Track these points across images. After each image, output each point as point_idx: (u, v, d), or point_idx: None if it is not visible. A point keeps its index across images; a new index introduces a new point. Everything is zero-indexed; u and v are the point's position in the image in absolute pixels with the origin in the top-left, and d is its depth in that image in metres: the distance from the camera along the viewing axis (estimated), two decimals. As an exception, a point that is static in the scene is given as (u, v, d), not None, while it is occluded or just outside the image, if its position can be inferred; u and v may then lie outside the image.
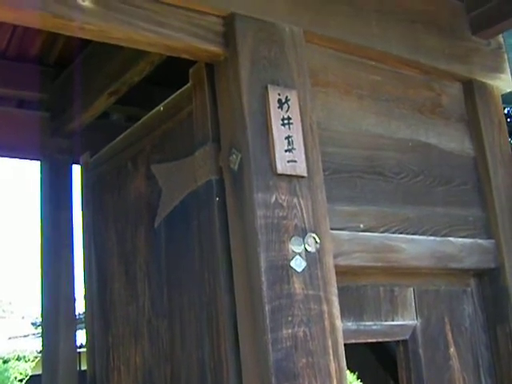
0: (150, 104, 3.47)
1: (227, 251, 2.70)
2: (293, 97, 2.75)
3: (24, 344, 18.90)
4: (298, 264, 2.58)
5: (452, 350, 3.18)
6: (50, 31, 2.69)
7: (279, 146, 2.64)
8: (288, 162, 2.65)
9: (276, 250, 2.55)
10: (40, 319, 4.74)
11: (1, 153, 4.32)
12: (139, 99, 4.19)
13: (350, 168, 3.01)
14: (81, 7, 2.50)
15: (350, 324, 2.88)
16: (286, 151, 2.65)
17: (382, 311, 3.01)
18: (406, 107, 3.34)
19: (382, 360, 4.68)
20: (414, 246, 3.07)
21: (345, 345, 2.66)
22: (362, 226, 2.95)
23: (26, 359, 18.07)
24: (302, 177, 2.69)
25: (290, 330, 2.50)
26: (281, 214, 2.60)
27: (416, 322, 3.09)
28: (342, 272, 2.77)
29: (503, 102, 3.83)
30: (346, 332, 2.74)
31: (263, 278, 2.50)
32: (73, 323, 4.21)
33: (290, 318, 2.52)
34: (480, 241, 3.36)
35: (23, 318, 24.57)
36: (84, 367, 4.38)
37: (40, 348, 4.66)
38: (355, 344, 2.93)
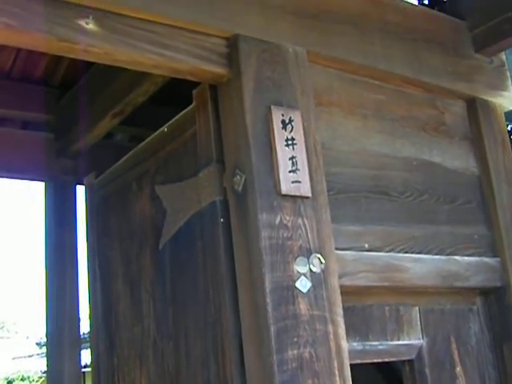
0: (153, 124, 3.48)
1: (232, 272, 2.69)
2: (296, 117, 2.76)
3: (28, 364, 18.89)
4: (303, 285, 2.58)
5: (458, 369, 3.16)
6: (54, 53, 2.70)
7: (283, 166, 2.64)
8: (292, 182, 2.65)
9: (281, 270, 2.55)
10: (44, 339, 4.74)
11: (5, 174, 4.32)
12: (143, 119, 4.19)
13: (354, 188, 3.01)
14: (85, 30, 2.51)
15: (355, 344, 2.87)
16: (290, 172, 2.65)
17: (388, 331, 3.00)
18: (409, 126, 3.34)
19: (388, 380, 4.65)
20: (420, 265, 3.06)
21: (351, 365, 2.65)
22: (367, 245, 2.94)
23: (31, 379, 18.05)
24: (307, 197, 2.69)
25: (295, 351, 2.49)
26: (285, 234, 2.60)
27: (422, 341, 3.08)
28: (347, 292, 2.76)
29: (506, 120, 3.83)
30: (351, 352, 2.73)
31: (268, 299, 2.49)
32: (77, 343, 4.20)
33: (295, 339, 2.51)
34: (485, 259, 3.35)
35: (27, 338, 24.56)
36: (89, 388, 4.36)
37: (44, 368, 4.65)
38: (361, 364, 2.92)
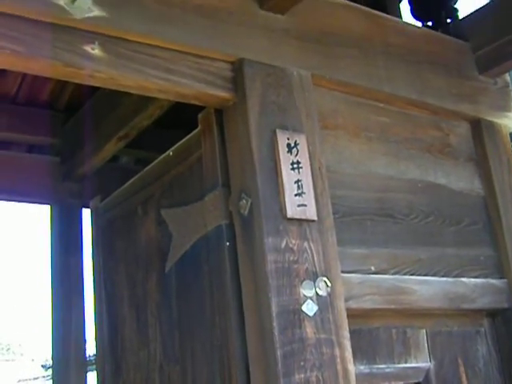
0: (159, 147, 3.49)
1: (238, 296, 2.69)
2: (302, 141, 2.76)
3: (34, 386, 18.82)
4: (310, 308, 2.57)
5: (466, 391, 3.15)
6: (59, 77, 2.71)
7: (289, 190, 2.65)
8: (298, 206, 2.65)
9: (287, 294, 2.55)
10: (50, 362, 4.73)
11: (11, 197, 4.33)
12: (148, 142, 4.21)
13: (360, 210, 3.01)
14: (91, 55, 2.53)
15: (362, 367, 2.85)
16: (295, 195, 2.66)
17: (395, 353, 2.98)
18: (414, 148, 3.35)
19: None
20: (426, 288, 3.06)
21: (358, 388, 2.64)
22: (373, 268, 2.94)
23: (37, 402, 17.98)
24: (313, 220, 2.69)
25: (302, 375, 2.48)
26: (291, 258, 2.60)
27: (429, 363, 3.06)
28: (353, 315, 2.75)
29: (511, 140, 3.84)
30: (358, 375, 2.71)
31: (275, 323, 2.49)
32: (83, 366, 4.19)
33: (302, 363, 2.50)
34: (492, 280, 3.34)
35: (33, 360, 24.46)
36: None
37: (50, 392, 4.63)
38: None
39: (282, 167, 2.67)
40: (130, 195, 3.63)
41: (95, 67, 2.54)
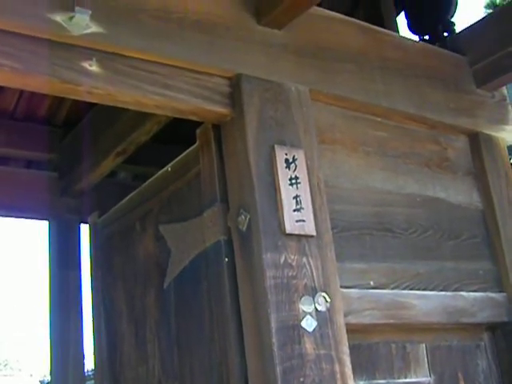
0: (156, 162, 3.49)
1: (237, 312, 2.68)
2: (300, 156, 2.76)
3: (32, 402, 18.74)
4: (309, 324, 2.56)
5: (467, 406, 3.14)
6: (57, 92, 2.71)
7: (287, 205, 2.64)
8: (296, 221, 2.64)
9: (286, 310, 2.54)
10: (48, 377, 4.71)
11: (9, 213, 4.33)
12: (146, 158, 4.21)
13: (358, 225, 3.00)
14: (88, 72, 2.53)
15: (362, 383, 2.84)
16: (294, 211, 2.65)
17: (395, 368, 2.97)
18: (412, 162, 3.35)
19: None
20: (425, 302, 3.05)
21: (358, 404, 2.63)
22: (372, 283, 2.93)
23: (35, 417, 17.89)
24: (311, 236, 2.68)
25: (302, 391, 2.47)
26: (290, 273, 2.59)
27: (429, 378, 3.05)
28: (353, 330, 2.74)
29: (509, 153, 3.84)
30: (358, 391, 2.71)
31: (274, 339, 2.48)
32: (82, 381, 4.20)
33: (301, 379, 2.48)
34: (491, 294, 3.33)
35: (31, 375, 24.38)
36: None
37: (49, 408, 4.62)
38: (369, 403, 2.89)
39: (281, 182, 2.67)
40: (128, 211, 3.63)
41: (93, 83, 2.54)
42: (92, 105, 3.91)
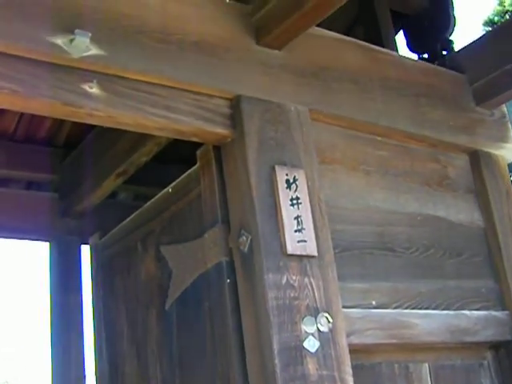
0: (157, 182, 3.49)
1: (239, 333, 2.67)
2: (300, 176, 2.76)
3: (33, 423, 18.62)
4: (312, 344, 2.56)
5: (471, 426, 3.12)
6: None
7: (289, 226, 2.64)
8: (298, 242, 2.64)
9: (289, 331, 2.53)
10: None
11: (10, 234, 4.32)
12: (146, 178, 4.21)
13: (360, 245, 3.00)
14: (89, 94, 2.53)
15: (365, 403, 2.83)
16: (295, 231, 2.65)
17: (398, 389, 2.96)
18: (413, 181, 3.34)
19: None
20: (428, 321, 3.04)
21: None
22: (374, 302, 2.92)
23: None
24: (313, 256, 2.68)
25: (305, 413, 2.46)
26: (292, 294, 2.58)
27: (433, 398, 3.04)
28: (355, 350, 2.73)
29: (510, 171, 3.84)
30: (362, 412, 2.70)
31: (277, 360, 2.47)
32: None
33: (304, 400, 2.48)
34: (494, 313, 3.32)
35: (32, 396, 24.24)
36: None
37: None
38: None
39: (282, 203, 2.67)
40: (130, 232, 3.62)
41: (94, 106, 2.54)
42: (92, 126, 3.91)
